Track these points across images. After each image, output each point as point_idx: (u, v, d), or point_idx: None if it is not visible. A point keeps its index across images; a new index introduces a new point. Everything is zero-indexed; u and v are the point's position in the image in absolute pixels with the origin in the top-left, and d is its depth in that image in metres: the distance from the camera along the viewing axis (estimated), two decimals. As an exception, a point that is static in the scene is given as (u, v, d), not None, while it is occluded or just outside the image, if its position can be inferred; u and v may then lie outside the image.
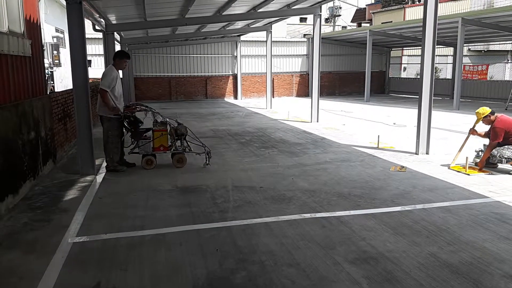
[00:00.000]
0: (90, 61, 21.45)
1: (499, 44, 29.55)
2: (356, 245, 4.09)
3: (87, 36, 7.20)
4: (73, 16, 6.76)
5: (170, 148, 7.47)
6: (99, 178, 6.82)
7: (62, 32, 18.30)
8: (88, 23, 9.97)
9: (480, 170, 7.05)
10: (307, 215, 4.97)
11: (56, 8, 17.47)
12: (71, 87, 7.17)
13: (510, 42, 26.94)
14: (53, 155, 7.43)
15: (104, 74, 7.03)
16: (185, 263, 3.77)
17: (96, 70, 20.45)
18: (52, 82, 15.31)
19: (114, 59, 7.25)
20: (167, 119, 7.55)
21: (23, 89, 6.15)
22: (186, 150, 7.55)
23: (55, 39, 16.77)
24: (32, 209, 5.24)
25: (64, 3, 6.86)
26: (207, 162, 7.60)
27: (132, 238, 4.34)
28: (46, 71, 11.83)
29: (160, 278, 3.52)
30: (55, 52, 15.63)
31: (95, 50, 21.46)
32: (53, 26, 17.18)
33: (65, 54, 16.83)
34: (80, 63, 6.87)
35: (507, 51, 33.18)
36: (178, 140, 7.49)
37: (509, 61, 32.23)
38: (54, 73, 16.14)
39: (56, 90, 14.37)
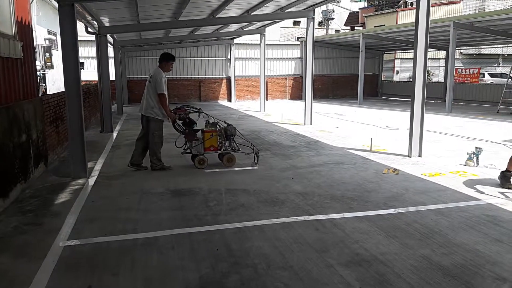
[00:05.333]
0: (82, 63, 21.35)
1: (491, 47, 29.84)
2: (349, 248, 4.09)
3: (79, 38, 7.16)
4: (65, 18, 6.70)
5: (220, 148, 7.58)
6: (91, 181, 6.77)
7: (55, 34, 18.19)
8: (80, 25, 9.92)
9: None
10: (301, 218, 4.96)
11: (49, 10, 17.36)
12: (63, 90, 7.12)
13: (501, 45, 27.21)
14: (44, 158, 7.36)
15: (157, 80, 7.08)
16: (177, 266, 3.74)
17: (89, 72, 20.35)
18: (44, 85, 15.21)
19: (161, 62, 7.32)
20: (217, 120, 7.76)
21: (14, 91, 6.10)
22: (235, 150, 7.68)
23: (47, 41, 16.66)
24: (23, 213, 5.19)
25: (57, 5, 6.82)
26: (256, 162, 7.69)
27: (124, 242, 4.31)
28: (38, 73, 11.75)
29: (152, 282, 3.49)
30: (47, 54, 15.53)
31: (87, 53, 21.35)
32: (45, 28, 17.07)
33: (57, 56, 16.73)
34: (72, 65, 6.80)
35: (498, 54, 33.53)
36: (227, 140, 7.63)
37: (500, 65, 32.53)
38: (46, 75, 16.03)
39: (48, 93, 14.27)
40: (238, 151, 7.74)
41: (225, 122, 7.84)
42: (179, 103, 23.43)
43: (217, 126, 7.66)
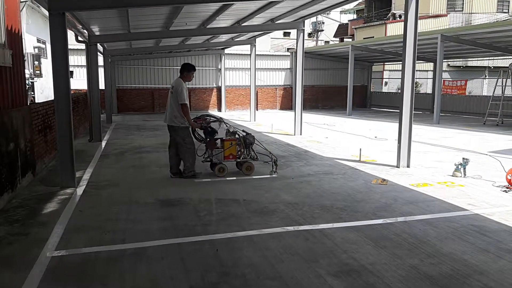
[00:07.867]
0: (72, 72, 21.22)
1: (477, 60, 30.35)
2: (338, 258, 4.11)
3: (69, 47, 7.13)
4: (55, 27, 6.69)
5: (239, 156, 7.67)
6: (80, 190, 6.71)
7: (44, 43, 18.09)
8: (70, 34, 9.88)
9: None
10: (290, 228, 4.97)
11: (38, 19, 17.28)
12: (52, 98, 7.08)
13: (488, 58, 27.71)
14: (32, 167, 7.28)
15: (178, 90, 7.20)
16: (166, 277, 3.72)
17: (78, 81, 20.22)
18: (32, 93, 15.07)
19: (182, 72, 7.44)
20: (236, 129, 7.90)
21: (2, 99, 6.05)
22: (254, 158, 7.80)
23: (36, 50, 16.55)
24: (10, 222, 5.12)
25: (47, 13, 6.80)
26: (275, 170, 7.80)
27: (113, 252, 4.27)
28: (27, 81, 11.64)
29: (141, 293, 3.46)
30: (36, 62, 15.41)
31: (77, 61, 21.26)
32: (34, 36, 16.96)
33: (46, 64, 16.62)
34: (62, 74, 6.79)
35: (485, 67, 34.11)
36: (246, 149, 7.74)
37: (487, 77, 33.09)
38: (35, 83, 15.89)
39: (36, 101, 14.15)
40: (257, 159, 7.86)
41: (243, 131, 7.97)
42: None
43: (236, 135, 7.80)
